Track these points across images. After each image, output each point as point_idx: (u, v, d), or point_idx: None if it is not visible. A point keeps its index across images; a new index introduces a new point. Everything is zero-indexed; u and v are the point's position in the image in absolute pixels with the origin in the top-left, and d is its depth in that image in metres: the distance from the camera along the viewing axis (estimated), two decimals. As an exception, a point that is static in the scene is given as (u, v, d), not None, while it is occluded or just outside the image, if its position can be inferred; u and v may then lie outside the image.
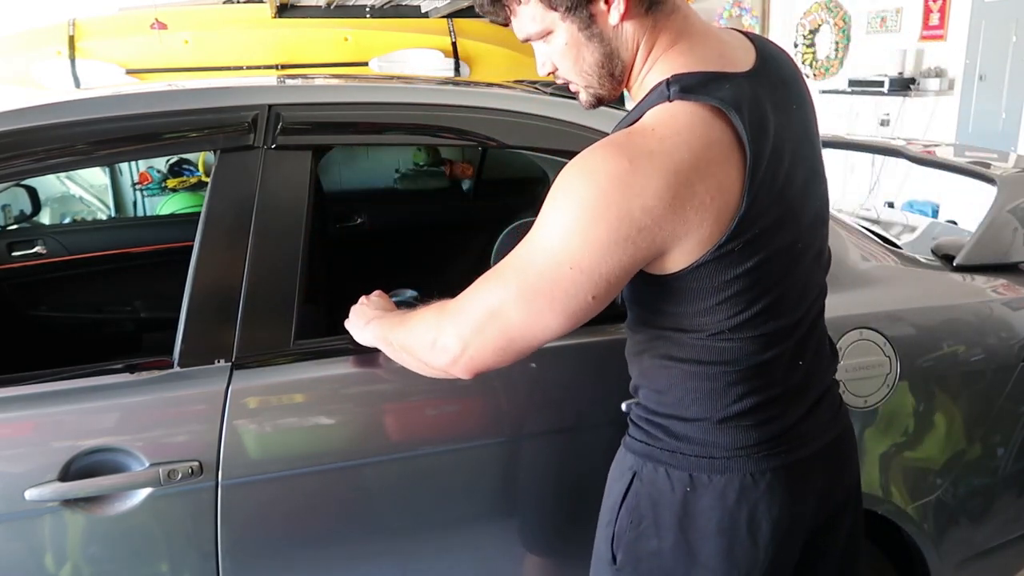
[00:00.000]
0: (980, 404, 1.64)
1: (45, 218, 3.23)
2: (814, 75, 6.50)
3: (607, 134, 1.50)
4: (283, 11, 4.57)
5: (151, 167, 3.74)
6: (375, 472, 1.38)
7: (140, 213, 3.79)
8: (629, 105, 1.11)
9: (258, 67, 4.40)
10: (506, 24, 1.07)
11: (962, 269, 1.70)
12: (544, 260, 0.95)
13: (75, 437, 1.23)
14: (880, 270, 1.63)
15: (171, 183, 3.76)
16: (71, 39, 4.20)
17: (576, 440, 1.47)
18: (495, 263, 2.53)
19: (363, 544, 1.40)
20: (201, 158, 3.91)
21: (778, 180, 0.97)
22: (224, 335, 1.30)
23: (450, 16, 4.83)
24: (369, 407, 1.38)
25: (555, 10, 1.00)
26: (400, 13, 4.84)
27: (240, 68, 4.36)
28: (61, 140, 1.32)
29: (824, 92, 6.14)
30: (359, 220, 2.93)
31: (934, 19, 5.52)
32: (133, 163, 3.67)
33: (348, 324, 1.35)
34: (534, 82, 1.88)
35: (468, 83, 2.01)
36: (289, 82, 1.70)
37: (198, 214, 1.35)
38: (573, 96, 1.64)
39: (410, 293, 1.94)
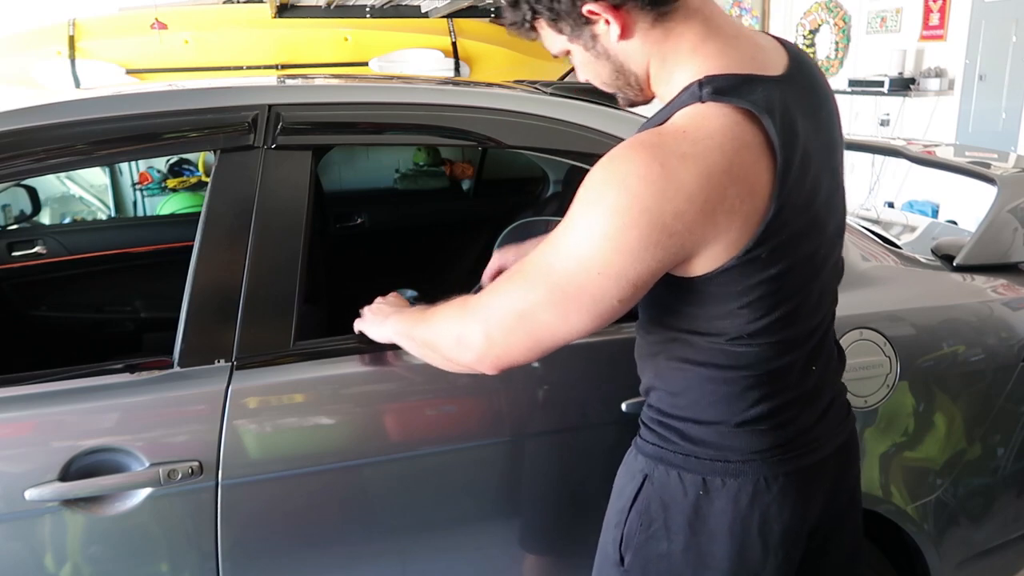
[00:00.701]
0: (980, 404, 1.64)
1: (45, 218, 3.23)
2: (814, 75, 6.49)
3: (607, 134, 1.51)
4: (283, 11, 4.57)
5: (151, 167, 3.74)
6: (375, 472, 1.38)
7: (140, 213, 3.79)
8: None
9: (258, 67, 4.40)
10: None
11: (962, 269, 1.70)
12: (573, 265, 0.94)
13: (75, 437, 1.23)
14: (880, 270, 1.63)
15: (171, 183, 3.76)
16: (71, 39, 4.21)
17: (576, 440, 1.47)
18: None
19: (363, 544, 1.40)
20: (201, 158, 3.91)
21: (805, 187, 0.96)
22: (224, 335, 1.30)
23: (450, 16, 4.83)
24: (369, 407, 1.38)
25: (562, 34, 1.03)
26: (400, 13, 4.84)
27: (240, 68, 4.37)
28: (61, 140, 1.32)
29: (824, 92, 6.14)
30: (359, 220, 2.92)
31: (934, 19, 5.53)
32: (133, 163, 3.67)
33: (362, 323, 1.35)
34: (534, 82, 1.89)
35: (468, 83, 2.01)
36: (289, 82, 1.70)
37: (198, 214, 1.35)
38: (574, 96, 1.65)
39: (410, 293, 1.94)
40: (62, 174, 3.36)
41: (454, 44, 4.80)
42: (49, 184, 3.38)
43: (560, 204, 2.47)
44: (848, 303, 1.51)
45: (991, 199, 1.74)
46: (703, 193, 0.89)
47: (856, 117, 6.12)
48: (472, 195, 3.20)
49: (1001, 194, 1.74)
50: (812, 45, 6.59)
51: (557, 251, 0.97)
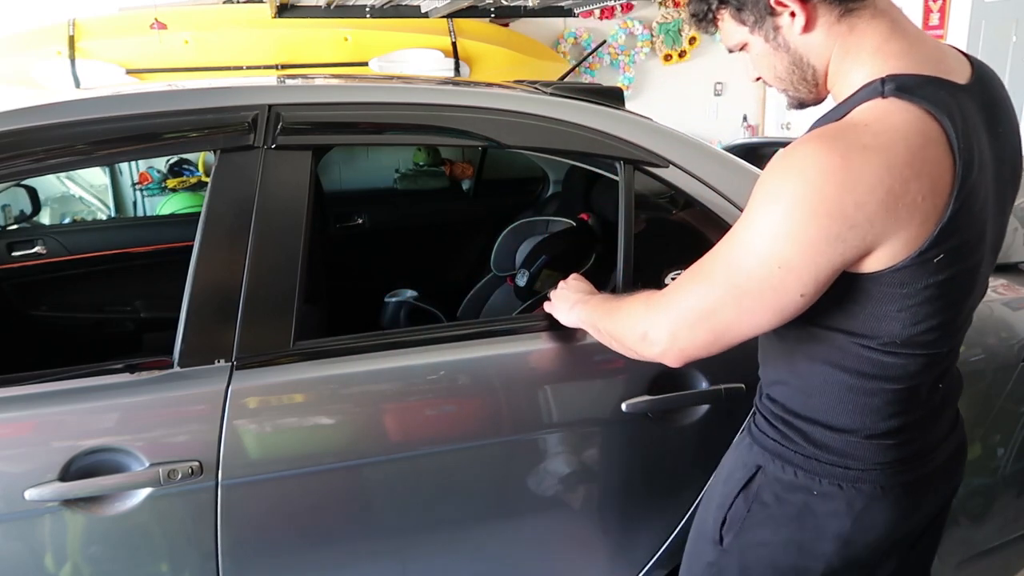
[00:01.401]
0: (980, 404, 1.64)
1: (45, 218, 3.23)
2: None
3: (607, 134, 1.51)
4: (283, 11, 4.56)
5: (151, 167, 3.75)
6: (375, 472, 1.38)
7: (140, 213, 3.79)
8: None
9: (258, 67, 4.40)
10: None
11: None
12: (753, 261, 0.94)
13: (75, 437, 1.23)
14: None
15: (171, 183, 3.77)
16: (71, 39, 4.20)
17: (577, 440, 1.47)
18: (494, 263, 2.53)
19: (363, 544, 1.40)
20: (201, 158, 3.92)
21: (979, 197, 0.95)
22: (224, 335, 1.30)
23: (450, 16, 4.82)
24: (369, 407, 1.38)
25: (744, 24, 1.04)
26: (400, 13, 4.83)
27: (240, 68, 4.36)
28: (61, 140, 1.32)
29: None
30: (359, 220, 2.92)
31: (934, 19, 5.52)
32: (133, 163, 3.68)
33: (550, 307, 1.41)
34: (534, 82, 1.88)
35: (468, 83, 2.01)
36: (289, 82, 1.70)
37: (198, 214, 1.35)
38: (574, 96, 1.64)
39: (410, 293, 1.94)
40: (62, 174, 3.36)
41: (454, 44, 4.80)
42: (49, 184, 3.38)
43: (560, 204, 2.48)
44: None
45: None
46: (884, 185, 0.87)
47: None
48: (472, 195, 3.19)
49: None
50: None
51: (737, 247, 0.97)
